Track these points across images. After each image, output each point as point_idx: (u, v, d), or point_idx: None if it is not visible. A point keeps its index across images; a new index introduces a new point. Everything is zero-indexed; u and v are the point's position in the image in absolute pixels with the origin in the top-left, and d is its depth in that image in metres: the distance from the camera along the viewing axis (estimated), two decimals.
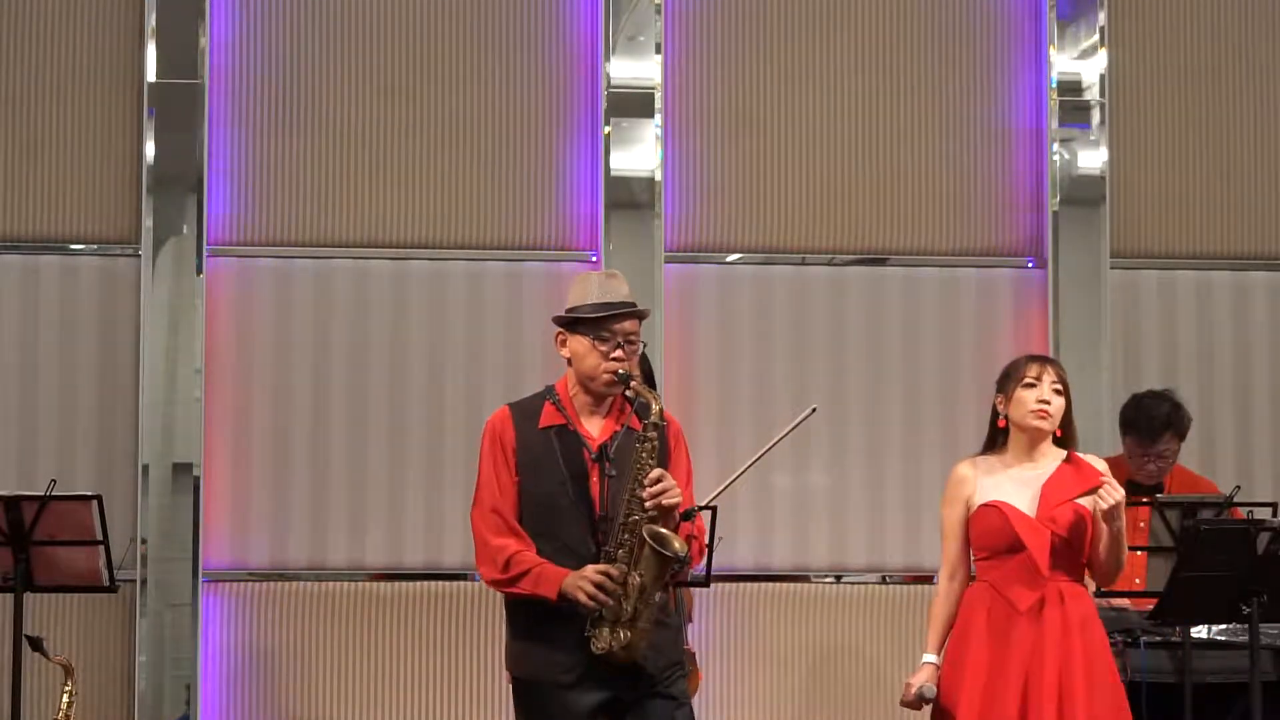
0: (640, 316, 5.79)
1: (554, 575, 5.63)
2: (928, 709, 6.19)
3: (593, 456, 5.71)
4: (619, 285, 5.81)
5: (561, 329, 5.81)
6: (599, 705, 5.65)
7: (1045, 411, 6.09)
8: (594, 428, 5.77)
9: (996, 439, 6.20)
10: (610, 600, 5.55)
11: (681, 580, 6.02)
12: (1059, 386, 6.12)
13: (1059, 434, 6.16)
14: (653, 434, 5.64)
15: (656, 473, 5.61)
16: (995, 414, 6.20)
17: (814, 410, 7.84)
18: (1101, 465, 6.17)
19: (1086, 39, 9.21)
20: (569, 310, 5.79)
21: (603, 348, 5.73)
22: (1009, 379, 6.17)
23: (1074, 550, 6.04)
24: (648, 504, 5.58)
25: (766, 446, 7.73)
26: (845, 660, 9.00)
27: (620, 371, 5.69)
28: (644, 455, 5.63)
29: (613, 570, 5.57)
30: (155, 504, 8.69)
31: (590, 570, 5.59)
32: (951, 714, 6.03)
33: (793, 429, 7.76)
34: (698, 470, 6.00)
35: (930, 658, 6.15)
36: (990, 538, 6.07)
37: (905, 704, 6.18)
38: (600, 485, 5.68)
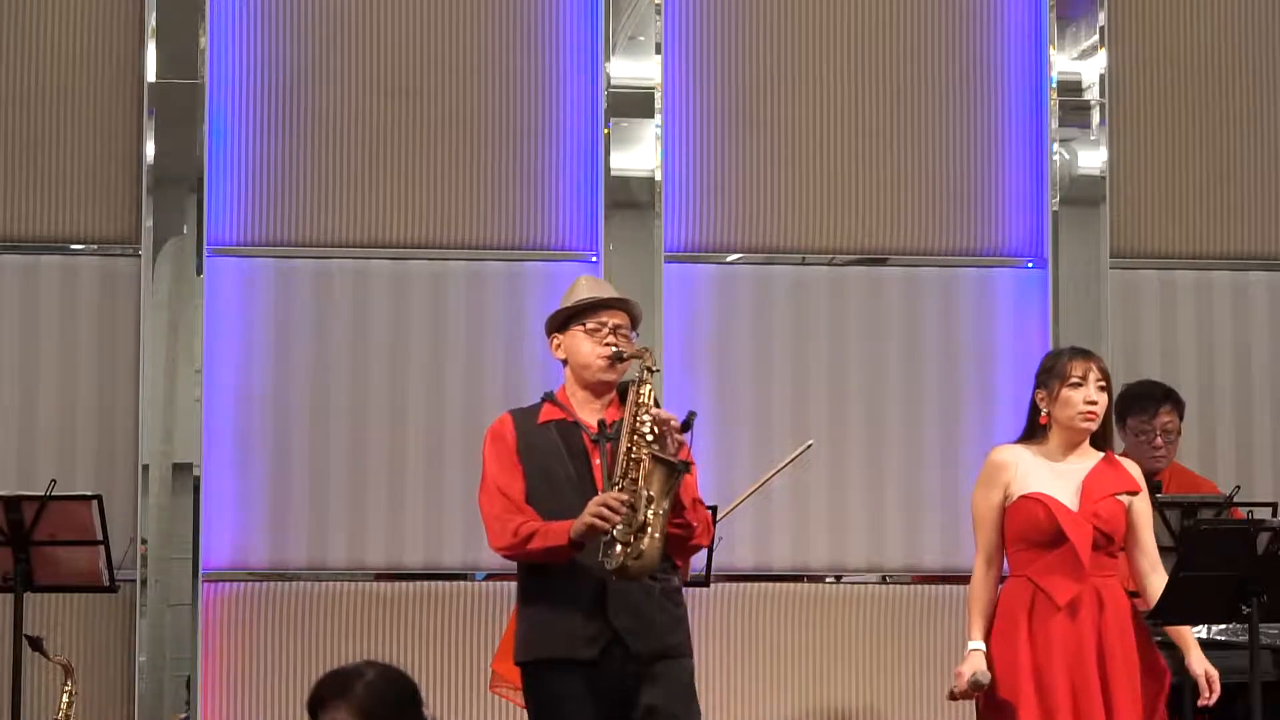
0: (630, 310, 5.87)
1: (561, 525, 5.66)
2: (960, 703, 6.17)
3: (593, 437, 5.77)
4: (607, 285, 6.00)
5: (555, 331, 5.88)
6: (617, 690, 5.65)
7: (1094, 414, 6.05)
8: (593, 419, 5.81)
9: (1035, 433, 6.14)
10: (618, 518, 5.54)
11: (681, 580, 6.03)
12: (1103, 383, 6.08)
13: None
14: (649, 379, 5.69)
15: (657, 411, 5.66)
16: (1035, 409, 6.12)
17: (810, 445, 7.91)
18: (1136, 471, 6.15)
19: (1086, 39, 9.21)
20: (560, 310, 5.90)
21: (597, 335, 5.80)
22: (1052, 375, 6.09)
23: (1113, 546, 6.02)
24: (647, 419, 5.60)
25: (759, 482, 7.80)
26: (845, 660, 8.99)
27: (615, 350, 5.76)
28: (643, 397, 5.65)
29: (616, 494, 5.59)
30: (155, 504, 8.68)
31: (592, 501, 5.61)
32: (1011, 715, 5.98)
33: (789, 463, 7.82)
34: (698, 471, 6.00)
35: (977, 644, 6.04)
36: (1031, 530, 6.02)
37: (958, 694, 6.07)
38: (602, 464, 5.71)
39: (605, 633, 5.66)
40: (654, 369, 5.73)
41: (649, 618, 5.68)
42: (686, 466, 5.64)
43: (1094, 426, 6.07)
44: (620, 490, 5.59)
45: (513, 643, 5.94)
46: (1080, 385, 6.06)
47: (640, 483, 5.58)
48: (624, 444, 5.63)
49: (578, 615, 5.67)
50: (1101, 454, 6.13)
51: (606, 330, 5.81)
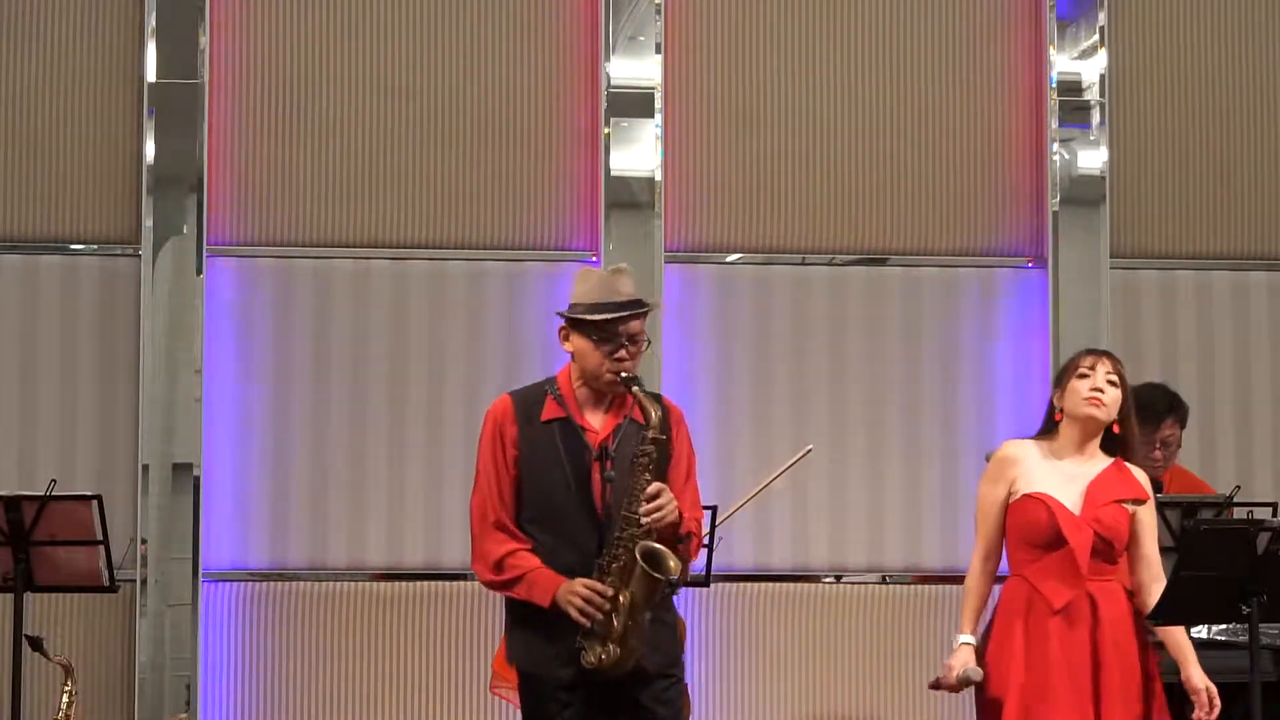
0: (641, 315, 5.69)
1: (547, 583, 5.59)
2: (950, 694, 6.13)
3: (594, 455, 5.67)
4: (623, 282, 5.70)
5: (565, 324, 5.75)
6: (599, 701, 5.64)
7: (1098, 399, 5.98)
8: (596, 420, 5.72)
9: (1049, 430, 6.08)
10: (600, 615, 5.53)
11: (682, 580, 6.01)
12: (1114, 378, 6.02)
13: (1116, 430, 6.05)
14: (650, 448, 5.59)
15: (655, 487, 5.57)
16: (1051, 408, 6.09)
17: (809, 450, 7.91)
18: (1145, 480, 6.12)
19: (1086, 39, 9.21)
20: (571, 306, 5.72)
21: (605, 348, 5.66)
22: (1064, 371, 6.07)
23: (1113, 551, 6.00)
24: (644, 521, 5.55)
25: (759, 488, 7.80)
26: (845, 660, 9.00)
27: (624, 375, 5.66)
28: (641, 469, 5.58)
29: (602, 587, 5.54)
30: (155, 504, 8.69)
31: (580, 585, 5.55)
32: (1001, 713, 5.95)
33: (788, 469, 7.83)
34: (699, 470, 5.99)
35: (967, 638, 5.99)
36: (1031, 531, 5.97)
37: (945, 686, 6.00)
38: (602, 493, 5.65)
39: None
40: (658, 437, 5.57)
41: (653, 636, 5.64)
42: (674, 587, 5.56)
43: (1100, 414, 6.00)
44: (607, 580, 5.54)
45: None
46: (1087, 376, 6.02)
47: (625, 583, 5.52)
48: (618, 522, 5.56)
49: (556, 636, 5.61)
50: (1112, 459, 6.09)
51: (617, 343, 5.64)
